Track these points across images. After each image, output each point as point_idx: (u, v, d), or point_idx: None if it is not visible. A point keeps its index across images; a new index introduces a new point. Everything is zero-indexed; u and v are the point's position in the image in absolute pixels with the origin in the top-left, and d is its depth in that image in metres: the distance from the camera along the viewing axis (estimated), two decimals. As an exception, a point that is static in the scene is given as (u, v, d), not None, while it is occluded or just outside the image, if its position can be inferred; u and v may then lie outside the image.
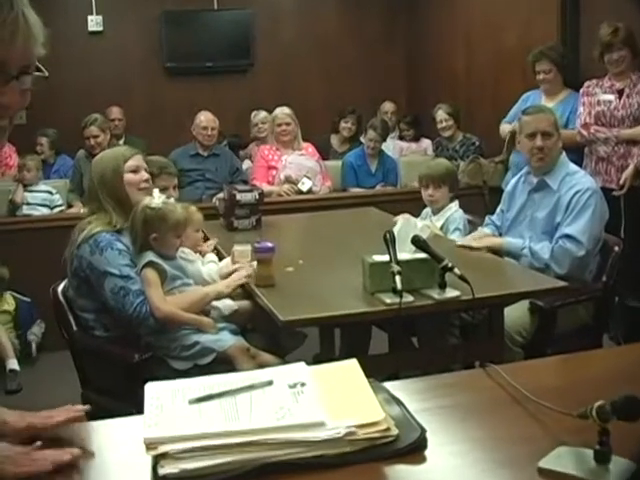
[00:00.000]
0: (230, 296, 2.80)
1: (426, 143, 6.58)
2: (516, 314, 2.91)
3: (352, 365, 1.43)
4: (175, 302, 2.59)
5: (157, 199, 2.59)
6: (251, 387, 1.33)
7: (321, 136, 6.36)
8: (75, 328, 2.73)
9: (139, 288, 2.55)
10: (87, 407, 1.43)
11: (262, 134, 6.11)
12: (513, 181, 3.49)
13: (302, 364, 1.41)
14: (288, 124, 5.29)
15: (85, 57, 6.41)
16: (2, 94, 1.05)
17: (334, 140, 6.46)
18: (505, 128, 4.93)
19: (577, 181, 3.17)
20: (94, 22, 6.77)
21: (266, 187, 4.77)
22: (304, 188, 5.18)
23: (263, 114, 6.13)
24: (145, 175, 2.75)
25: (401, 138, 6.68)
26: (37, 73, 1.07)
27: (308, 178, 5.25)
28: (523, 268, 3.05)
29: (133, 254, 2.62)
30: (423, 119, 6.58)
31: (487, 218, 3.58)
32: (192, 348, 2.58)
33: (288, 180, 5.22)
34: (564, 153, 3.28)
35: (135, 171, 2.73)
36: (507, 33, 5.62)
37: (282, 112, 5.32)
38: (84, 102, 6.23)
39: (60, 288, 2.82)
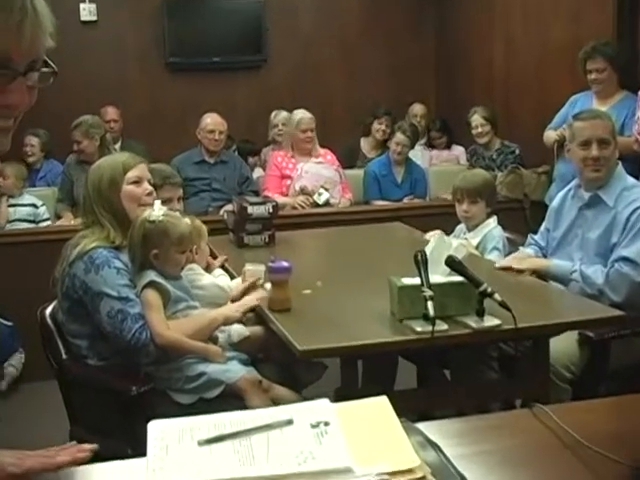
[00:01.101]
0: (240, 321, 2.81)
1: (458, 151, 6.60)
2: (564, 346, 2.89)
3: (382, 403, 1.42)
4: (179, 327, 2.59)
5: (158, 211, 2.60)
6: (268, 427, 1.32)
7: (347, 140, 6.38)
8: (65, 356, 2.73)
9: (139, 312, 2.56)
10: (95, 446, 1.42)
11: (282, 137, 6.15)
12: (560, 195, 3.48)
13: (326, 401, 1.41)
14: (312, 130, 5.33)
15: (77, 51, 6.40)
16: (8, 92, 1.03)
17: (365, 144, 6.48)
18: (550, 135, 4.92)
19: (636, 196, 3.15)
20: (87, 11, 6.80)
21: (279, 199, 4.80)
22: (321, 200, 5.20)
23: (284, 114, 6.17)
24: (148, 188, 2.76)
25: (430, 146, 6.69)
26: (45, 69, 1.07)
27: (325, 189, 5.27)
28: (572, 294, 3.03)
29: (132, 273, 2.63)
30: (455, 124, 6.59)
31: (529, 237, 3.57)
32: (197, 380, 2.58)
33: (303, 191, 5.24)
34: (620, 164, 3.27)
35: (137, 182, 2.74)
36: (553, 27, 5.60)
37: (307, 116, 5.35)
38: (75, 102, 6.26)
39: (48, 311, 2.83)
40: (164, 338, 2.54)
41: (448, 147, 6.66)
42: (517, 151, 5.65)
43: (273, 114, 6.31)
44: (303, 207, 5.18)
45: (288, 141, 5.44)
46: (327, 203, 5.23)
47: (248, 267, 2.98)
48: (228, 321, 2.72)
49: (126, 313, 2.55)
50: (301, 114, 5.38)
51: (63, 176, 5.53)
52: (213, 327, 2.68)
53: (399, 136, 5.67)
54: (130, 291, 2.59)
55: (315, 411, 1.37)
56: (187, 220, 2.70)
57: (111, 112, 6.39)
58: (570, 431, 1.44)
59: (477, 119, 5.73)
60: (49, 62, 1.06)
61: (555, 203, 3.49)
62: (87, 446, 1.40)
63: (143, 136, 6.42)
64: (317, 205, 5.22)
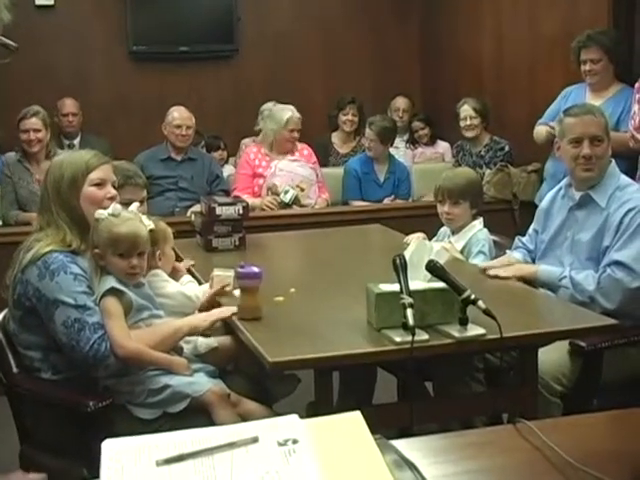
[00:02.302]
0: (207, 333, 2.80)
1: (443, 147, 6.62)
2: (553, 357, 2.91)
3: (355, 418, 1.42)
4: (141, 337, 2.58)
5: (110, 209, 2.59)
6: (232, 445, 1.32)
7: (320, 136, 6.39)
8: (16, 369, 2.71)
9: (97, 321, 2.54)
10: (43, 476, 1.40)
11: None
12: (550, 195, 3.50)
13: (294, 417, 1.41)
14: (299, 130, 5.34)
15: (30, 37, 6.25)
16: None
17: (335, 139, 6.50)
18: (541, 131, 4.94)
19: (630, 197, 3.17)
20: (42, -7, 6.71)
21: (249, 199, 4.79)
22: (287, 199, 5.19)
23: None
24: (112, 191, 2.74)
25: (414, 142, 6.71)
26: (4, 40, 1.05)
27: (302, 189, 5.27)
28: (562, 301, 3.05)
29: (90, 279, 2.61)
30: (441, 119, 6.62)
31: (517, 240, 3.59)
32: (161, 393, 2.57)
33: (271, 191, 5.23)
34: (614, 162, 3.29)
35: (100, 185, 2.71)
36: (546, 16, 5.63)
37: (296, 116, 5.38)
38: (29, 93, 6.19)
39: (-3, 320, 2.81)
40: (125, 349, 2.52)
41: (432, 143, 6.67)
42: (507, 148, 5.66)
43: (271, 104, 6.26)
44: (271, 208, 5.18)
45: (268, 138, 5.43)
46: (294, 202, 5.21)
47: (216, 272, 2.97)
48: (195, 331, 2.71)
49: (84, 322, 2.53)
50: (290, 112, 5.38)
51: (3, 178, 5.35)
52: (178, 337, 2.67)
53: (367, 132, 5.69)
54: (88, 299, 2.57)
55: (283, 428, 1.37)
56: (145, 223, 2.67)
57: (69, 105, 6.35)
58: (557, 449, 1.44)
59: (467, 110, 5.70)
60: (5, 40, 1.05)
61: (544, 203, 3.50)
62: (35, 476, 1.39)
63: (104, 131, 6.40)
64: (285, 205, 5.21)
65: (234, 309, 2.71)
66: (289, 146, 5.37)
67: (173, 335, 2.65)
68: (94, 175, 2.71)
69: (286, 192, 5.19)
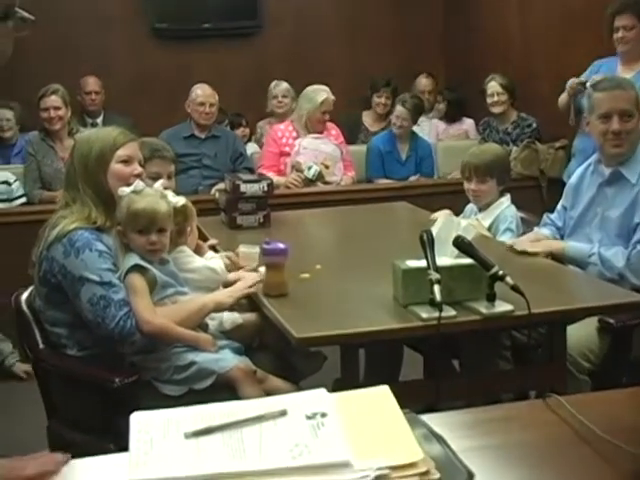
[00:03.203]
0: (233, 308, 2.81)
1: (468, 124, 6.58)
2: (582, 334, 2.90)
3: (383, 392, 1.43)
4: (167, 314, 2.60)
5: (132, 186, 2.60)
6: (261, 418, 1.33)
7: (348, 113, 6.37)
8: (42, 346, 2.74)
9: (123, 298, 2.56)
10: (68, 457, 1.42)
11: (282, 109, 6.14)
12: (579, 171, 3.47)
13: (322, 390, 1.41)
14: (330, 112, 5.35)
15: (51, 14, 6.29)
16: None
17: (366, 118, 6.51)
18: (563, 97, 4.90)
19: (662, 172, 3.15)
20: (63, -31, 6.70)
21: (275, 178, 4.79)
22: (310, 174, 5.17)
23: (285, 86, 6.18)
24: (138, 169, 2.74)
25: (452, 116, 6.67)
26: (22, 13, 1.06)
27: (326, 166, 5.26)
28: (591, 278, 3.03)
29: (115, 256, 2.63)
30: (466, 96, 6.57)
31: (545, 217, 3.57)
32: (187, 370, 2.59)
33: (296, 168, 5.23)
34: (644, 136, 3.26)
35: (127, 162, 2.72)
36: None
37: (332, 98, 5.36)
38: (51, 71, 6.19)
39: (24, 297, 2.83)
40: (151, 325, 2.54)
41: (457, 120, 6.63)
42: (534, 124, 5.63)
43: (273, 84, 6.29)
44: (296, 185, 5.17)
45: (302, 118, 5.40)
46: (318, 177, 5.20)
47: (242, 249, 2.98)
48: (220, 307, 2.72)
49: (109, 299, 2.55)
50: (325, 94, 5.36)
51: (26, 157, 5.41)
52: (204, 314, 2.69)
53: (399, 109, 5.66)
54: (113, 276, 2.59)
55: (311, 401, 1.37)
56: (172, 200, 2.67)
57: (92, 83, 6.36)
58: (587, 423, 1.45)
59: (494, 86, 5.69)
60: (22, 12, 1.06)
61: (573, 180, 3.48)
62: (59, 456, 1.41)
63: (127, 110, 6.39)
64: (310, 181, 5.20)
65: (256, 275, 2.71)
66: (320, 127, 5.36)
67: (198, 312, 2.66)
68: (121, 152, 2.72)
69: (309, 168, 5.17)
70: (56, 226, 2.65)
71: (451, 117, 6.63)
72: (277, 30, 7.06)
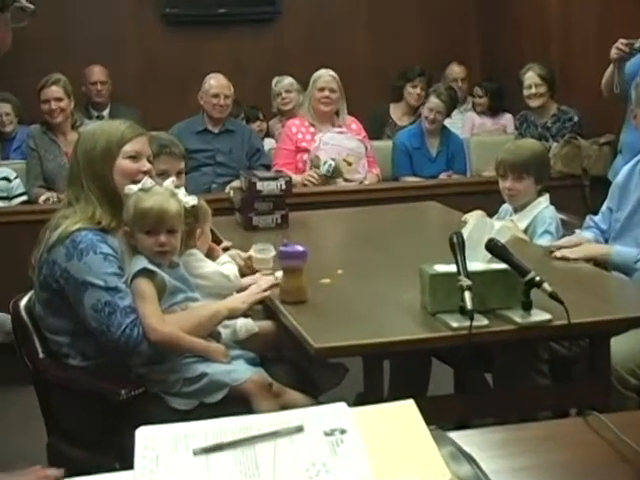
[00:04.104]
0: (247, 315, 2.82)
1: (506, 118, 6.56)
2: (628, 347, 2.87)
3: (408, 407, 1.43)
4: (176, 322, 2.60)
5: (140, 184, 2.61)
6: (275, 434, 1.33)
7: (373, 106, 6.36)
8: (42, 355, 2.75)
9: (129, 304, 2.57)
10: (60, 472, 1.42)
11: (287, 106, 6.15)
12: (626, 169, 3.46)
13: (342, 405, 1.41)
14: (333, 91, 5.31)
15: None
16: None
17: (395, 110, 6.49)
18: (607, 74, 4.85)
19: None
20: (68, -48, 6.74)
21: (292, 176, 4.77)
22: (324, 169, 5.15)
23: (288, 80, 6.18)
24: (146, 165, 2.75)
25: (474, 110, 6.66)
26: (21, 2, 1.07)
27: (349, 163, 5.26)
28: (638, 285, 3.02)
29: (122, 259, 2.64)
30: (501, 88, 6.55)
31: (588, 219, 3.55)
32: (197, 382, 2.59)
33: (313, 164, 5.22)
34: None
35: (134, 157, 2.73)
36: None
37: (327, 73, 5.35)
38: (54, 59, 6.22)
39: (23, 303, 2.84)
40: (159, 333, 2.54)
41: (495, 114, 6.61)
42: (576, 118, 5.61)
43: (275, 81, 6.29)
44: (313, 182, 5.17)
45: (307, 106, 5.42)
46: (334, 173, 5.17)
47: (255, 252, 2.99)
48: (233, 314, 2.73)
49: (115, 306, 2.56)
50: (322, 71, 5.38)
51: (28, 151, 5.44)
52: (216, 321, 2.69)
53: (433, 101, 5.62)
54: (119, 280, 2.60)
55: (330, 416, 1.37)
56: (184, 199, 2.68)
57: (98, 72, 6.39)
58: (632, 444, 1.43)
59: (532, 77, 5.64)
60: (23, 2, 1.07)
61: (620, 178, 3.46)
62: (52, 471, 1.41)
63: (135, 102, 6.44)
64: (326, 178, 5.19)
65: (271, 278, 2.72)
66: (324, 109, 5.31)
67: (210, 319, 2.67)
68: (129, 147, 2.73)
69: (324, 163, 5.15)
70: (58, 227, 2.66)
71: (494, 111, 6.60)
72: (297, 16, 7.06)
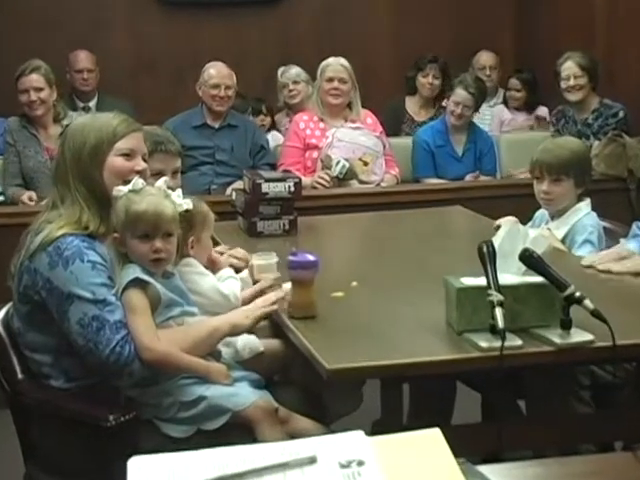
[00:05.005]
0: (251, 331, 2.82)
1: (542, 112, 6.55)
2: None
3: (434, 437, 1.43)
4: (172, 338, 2.59)
5: (130, 185, 2.62)
6: (284, 466, 1.33)
7: (392, 100, 6.36)
8: (21, 376, 2.75)
9: (119, 319, 2.56)
10: None
11: (294, 99, 6.15)
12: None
13: (359, 433, 1.41)
14: (343, 81, 5.32)
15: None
16: None
17: (410, 104, 6.50)
18: None
19: None
20: None
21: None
22: (336, 171, 5.15)
23: (295, 70, 6.19)
24: (141, 164, 2.75)
25: (505, 105, 6.66)
26: None
27: (365, 163, 5.26)
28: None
29: (111, 268, 2.64)
30: (537, 80, 6.55)
31: (635, 226, 3.54)
32: (195, 406, 2.59)
33: (324, 164, 5.22)
34: None
35: (128, 155, 2.73)
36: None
37: (338, 62, 5.36)
38: (35, 44, 6.26)
39: (0, 316, 2.85)
40: (154, 352, 2.54)
41: (531, 108, 6.61)
42: (621, 113, 5.60)
43: (280, 71, 6.30)
44: (324, 185, 5.17)
45: (315, 99, 5.44)
46: (347, 175, 5.16)
47: (256, 260, 2.99)
48: (236, 331, 2.72)
49: (103, 321, 2.55)
50: (331, 60, 5.40)
51: (5, 147, 5.44)
52: (216, 339, 2.68)
53: (460, 93, 5.60)
54: (109, 292, 2.59)
55: (346, 446, 1.38)
56: (177, 201, 2.67)
57: (84, 59, 6.39)
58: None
59: (570, 67, 5.60)
60: None
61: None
62: None
63: (126, 92, 6.46)
64: (339, 180, 5.19)
65: (281, 293, 2.72)
66: (333, 102, 5.33)
67: (210, 336, 2.66)
68: (122, 144, 2.73)
69: (337, 163, 5.14)
70: (40, 232, 2.66)
71: (530, 105, 6.60)
72: (306, -1, 7.10)
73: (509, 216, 3.67)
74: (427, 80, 6.35)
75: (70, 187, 2.71)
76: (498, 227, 3.33)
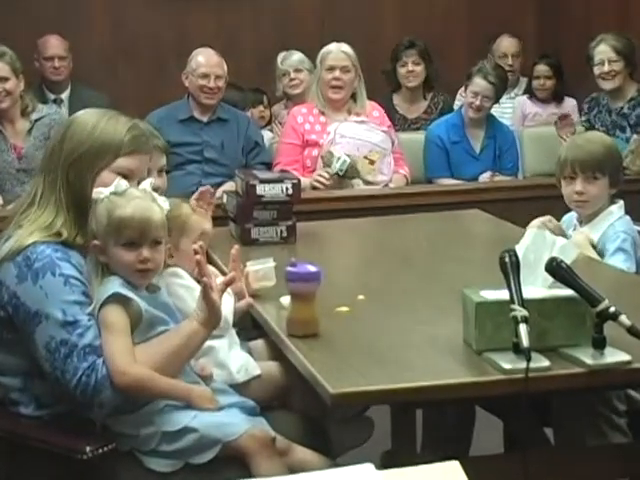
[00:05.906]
0: (251, 354, 2.81)
1: (569, 105, 6.55)
2: None
3: (452, 469, 1.43)
4: (146, 356, 2.55)
5: (112, 187, 2.61)
6: (286, 503, 1.34)
7: (381, 96, 6.38)
8: (-15, 402, 2.76)
9: (89, 342, 2.53)
10: None
11: (296, 89, 6.15)
12: None
13: (369, 466, 1.41)
14: (346, 70, 5.32)
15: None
16: None
17: (398, 101, 6.50)
18: None
19: None
20: None
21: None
22: (336, 167, 5.14)
23: (298, 57, 6.19)
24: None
25: (529, 96, 6.66)
26: None
27: (370, 161, 5.27)
28: None
29: (88, 282, 2.63)
30: (564, 67, 6.56)
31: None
32: (180, 438, 2.57)
33: (324, 161, 5.21)
34: None
35: (126, 176, 2.69)
36: None
37: (339, 48, 5.37)
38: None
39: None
40: (127, 376, 2.50)
41: (558, 99, 6.60)
42: (661, 104, 5.62)
43: (280, 57, 6.30)
44: (323, 184, 5.17)
45: (315, 90, 5.44)
46: (348, 172, 5.16)
47: (251, 267, 2.98)
48: (212, 321, 2.62)
49: (72, 346, 2.52)
50: (332, 46, 5.42)
51: None
52: (195, 344, 2.62)
53: (479, 82, 5.62)
54: (81, 311, 2.56)
55: (354, 481, 1.38)
56: (159, 204, 2.67)
57: (55, 45, 6.40)
58: None
59: (604, 51, 5.62)
60: None
61: None
62: None
63: (103, 82, 6.48)
64: (339, 178, 5.19)
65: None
66: (334, 96, 5.34)
67: (187, 343, 2.60)
68: (124, 161, 2.71)
69: (337, 159, 5.14)
70: (8, 238, 2.66)
71: (558, 96, 6.60)
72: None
73: (545, 215, 3.65)
74: (406, 69, 6.32)
75: (57, 181, 2.69)
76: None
